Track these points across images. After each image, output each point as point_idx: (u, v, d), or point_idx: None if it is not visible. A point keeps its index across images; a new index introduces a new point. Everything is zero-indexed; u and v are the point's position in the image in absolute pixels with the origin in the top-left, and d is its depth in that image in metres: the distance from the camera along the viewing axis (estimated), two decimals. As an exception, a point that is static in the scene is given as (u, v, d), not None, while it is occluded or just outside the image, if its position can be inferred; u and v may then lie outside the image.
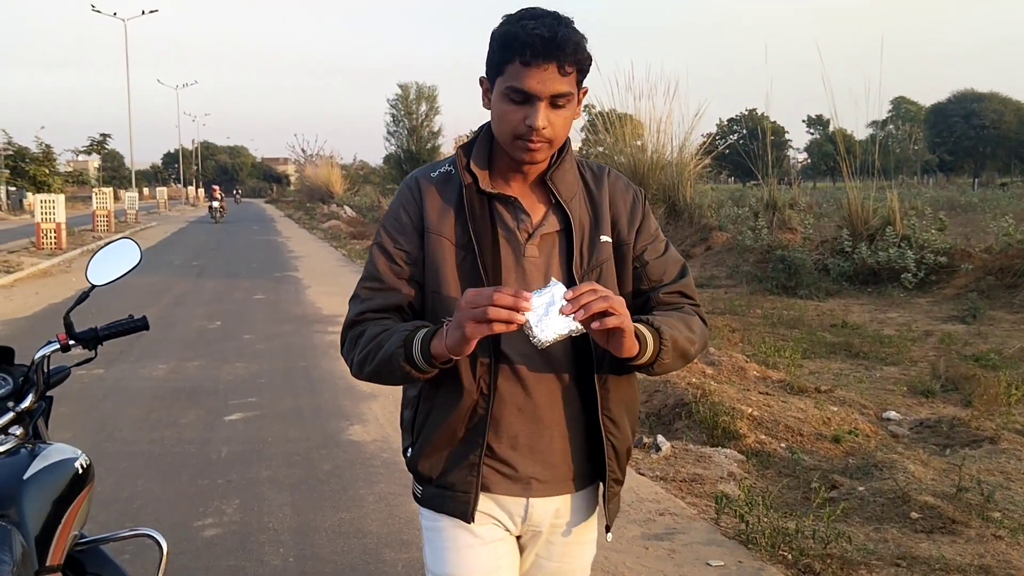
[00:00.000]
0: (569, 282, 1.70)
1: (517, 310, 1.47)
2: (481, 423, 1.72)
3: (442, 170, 1.82)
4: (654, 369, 1.70)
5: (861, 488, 4.60)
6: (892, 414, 6.26)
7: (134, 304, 11.45)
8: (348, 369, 1.79)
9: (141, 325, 2.42)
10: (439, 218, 1.76)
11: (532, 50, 1.59)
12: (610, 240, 1.80)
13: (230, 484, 4.85)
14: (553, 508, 1.81)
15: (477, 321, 1.49)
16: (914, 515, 4.20)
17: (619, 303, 1.53)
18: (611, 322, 1.52)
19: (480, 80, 1.75)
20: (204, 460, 5.27)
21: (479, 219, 1.73)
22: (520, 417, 1.74)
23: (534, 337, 1.50)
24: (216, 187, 40.41)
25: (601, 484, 1.84)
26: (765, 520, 4.13)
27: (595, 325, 1.51)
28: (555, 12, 1.65)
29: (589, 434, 1.78)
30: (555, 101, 1.64)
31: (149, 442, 5.64)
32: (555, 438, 1.77)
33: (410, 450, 1.84)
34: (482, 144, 1.79)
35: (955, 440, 5.58)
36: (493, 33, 1.68)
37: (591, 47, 1.70)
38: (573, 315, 1.50)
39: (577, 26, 1.66)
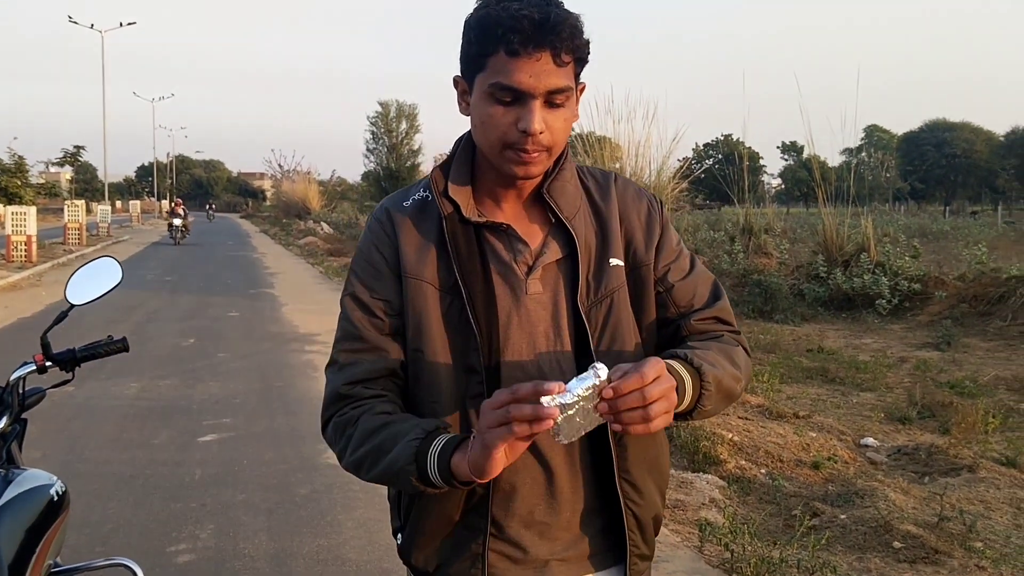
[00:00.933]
0: (576, 317, 1.42)
1: (540, 417, 1.15)
2: (482, 504, 1.41)
3: (416, 196, 1.50)
4: (692, 417, 1.39)
5: (843, 516, 4.59)
6: (870, 440, 6.26)
7: (105, 320, 11.36)
8: (326, 398, 1.48)
9: (121, 347, 2.36)
10: (417, 258, 1.44)
11: (520, 36, 1.29)
12: (622, 263, 1.48)
13: (204, 508, 4.75)
14: None
15: (495, 425, 1.19)
16: (897, 544, 4.18)
17: (670, 394, 1.23)
18: (657, 426, 1.21)
19: (455, 80, 1.44)
20: (177, 482, 5.16)
21: (465, 255, 1.42)
22: (535, 489, 1.43)
23: (557, 435, 1.20)
24: (179, 201, 33.70)
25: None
26: (749, 548, 4.10)
27: (635, 431, 1.21)
28: None
29: (608, 502, 1.47)
30: (551, 98, 1.34)
31: (121, 463, 5.52)
32: (574, 509, 1.45)
33: (400, 535, 1.52)
34: (462, 161, 1.48)
35: (933, 468, 5.59)
36: (467, 21, 1.36)
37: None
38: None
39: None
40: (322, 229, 36.87)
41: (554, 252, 1.45)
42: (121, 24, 46.60)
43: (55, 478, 2.21)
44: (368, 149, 29.51)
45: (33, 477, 2.14)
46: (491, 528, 1.42)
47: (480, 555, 1.43)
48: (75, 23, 44.36)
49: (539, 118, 1.33)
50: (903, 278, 12.35)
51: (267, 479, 5.22)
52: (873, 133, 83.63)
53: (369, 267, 1.47)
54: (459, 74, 1.42)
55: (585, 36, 1.36)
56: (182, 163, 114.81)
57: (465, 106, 1.43)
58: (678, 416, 1.36)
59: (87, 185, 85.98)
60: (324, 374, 1.51)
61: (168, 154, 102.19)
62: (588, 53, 1.38)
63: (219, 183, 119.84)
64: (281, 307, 13.89)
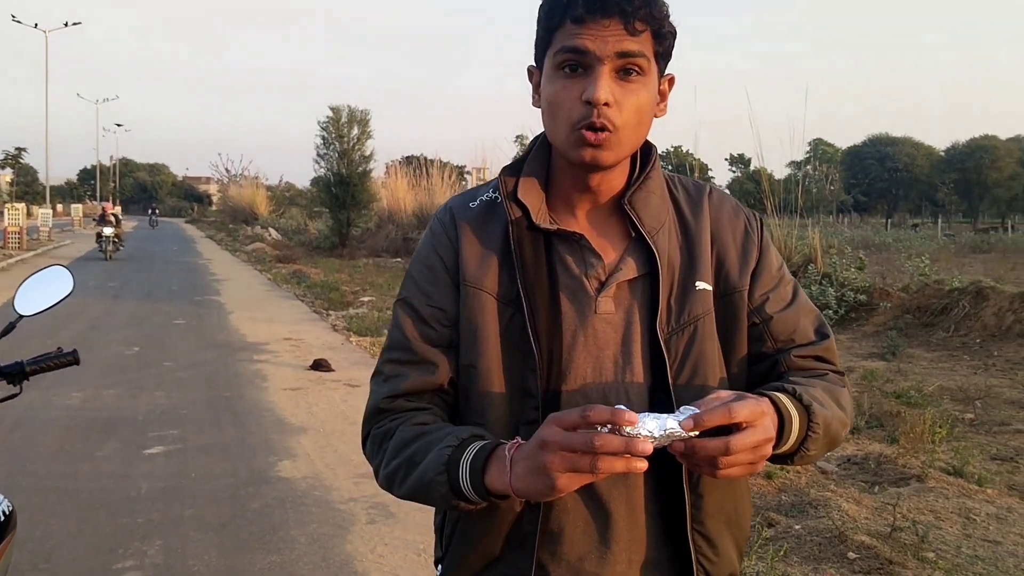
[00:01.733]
0: (652, 345, 1.27)
1: (632, 451, 1.01)
2: (527, 542, 1.25)
3: (484, 197, 1.36)
4: (793, 461, 1.23)
5: (798, 527, 4.62)
6: (821, 451, 6.33)
7: (45, 328, 11.06)
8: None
9: (72, 360, 2.28)
10: (479, 265, 1.30)
11: (587, 1, 1.17)
12: (710, 288, 1.32)
13: (151, 523, 4.62)
14: None
15: (577, 471, 1.03)
16: (851, 555, 4.22)
17: (764, 447, 1.09)
18: (734, 474, 1.09)
19: (528, 71, 1.32)
20: (123, 497, 5.02)
21: (531, 265, 1.27)
22: (588, 534, 1.26)
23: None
24: (107, 205, 27.09)
25: None
26: (705, 561, 4.10)
27: (708, 474, 1.10)
28: None
29: (677, 556, 1.29)
30: (623, 65, 1.19)
31: (63, 477, 5.35)
32: (630, 561, 1.28)
33: (440, 566, 1.38)
34: (536, 162, 1.34)
35: (883, 477, 5.66)
36: (540, 4, 1.26)
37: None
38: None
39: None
40: (270, 235, 36.44)
41: (631, 269, 1.29)
42: (66, 24, 45.68)
43: (2, 497, 2.11)
44: (318, 154, 29.13)
45: (-23, 497, 2.05)
46: (536, 571, 1.26)
47: None
48: (18, 22, 43.38)
49: (605, 85, 1.18)
50: (849, 289, 12.56)
51: (217, 493, 5.09)
52: (818, 147, 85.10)
53: (426, 271, 1.34)
54: (532, 64, 1.32)
55: (666, 8, 1.23)
56: (126, 166, 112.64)
57: (537, 98, 1.30)
58: (777, 458, 1.21)
59: (28, 188, 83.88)
60: (368, 385, 1.40)
61: (112, 157, 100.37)
62: (672, 32, 1.24)
63: (164, 187, 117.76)
64: (228, 315, 13.65)
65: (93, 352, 9.87)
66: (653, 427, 1.04)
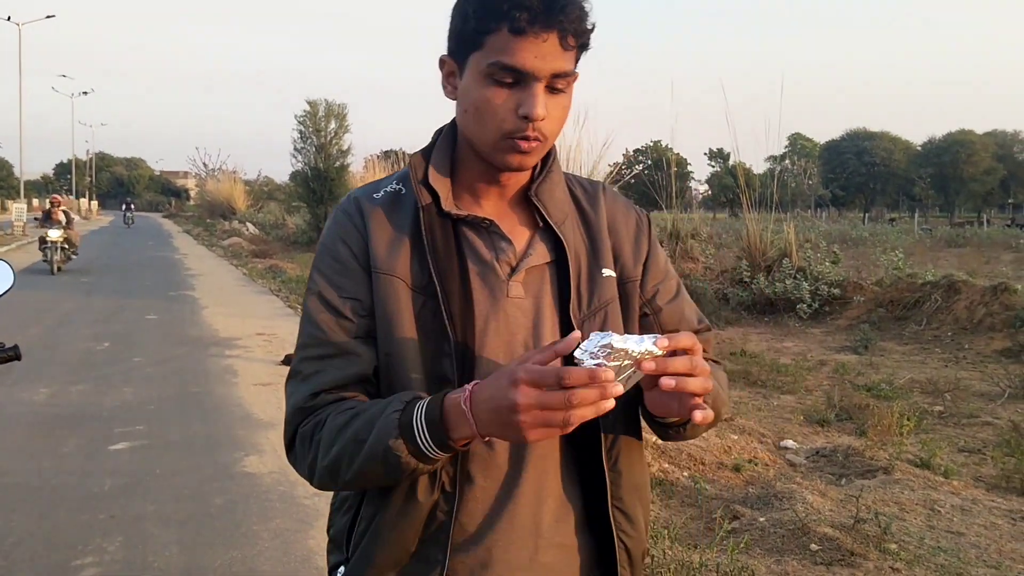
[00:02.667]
0: (566, 330, 1.29)
1: (604, 396, 1.03)
2: (441, 532, 1.26)
3: (389, 188, 1.37)
4: (685, 431, 1.31)
5: (762, 519, 4.63)
6: (789, 443, 6.36)
7: (16, 322, 10.95)
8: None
9: (12, 355, 2.23)
10: (389, 252, 1.30)
11: (529, 13, 1.17)
12: (614, 275, 1.37)
13: (113, 520, 4.56)
14: None
15: (549, 426, 1.05)
16: (814, 547, 4.23)
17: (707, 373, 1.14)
18: (706, 389, 1.13)
19: (440, 61, 1.31)
20: (85, 493, 4.96)
21: (442, 251, 1.29)
22: (499, 520, 1.27)
23: None
24: (57, 198, 20.32)
25: None
26: (669, 553, 4.10)
27: (698, 418, 1.14)
28: None
29: (595, 537, 1.32)
30: (554, 83, 1.22)
31: (26, 473, 5.29)
32: (553, 542, 1.30)
33: (342, 569, 1.34)
34: (443, 150, 1.35)
35: (850, 470, 5.69)
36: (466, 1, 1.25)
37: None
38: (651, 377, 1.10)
39: None
40: (247, 230, 36.20)
41: (541, 255, 1.33)
42: (40, 17, 45.18)
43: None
44: (296, 148, 28.88)
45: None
46: (451, 561, 1.26)
47: None
48: (-10, 15, 42.78)
49: (542, 102, 1.21)
50: (823, 283, 12.62)
51: (180, 489, 5.04)
52: (796, 141, 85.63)
53: (335, 263, 1.32)
54: (446, 54, 1.30)
55: (592, 21, 1.25)
56: (102, 160, 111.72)
57: (452, 89, 1.30)
58: (671, 431, 1.31)
59: (2, 182, 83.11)
60: (284, 389, 1.34)
61: (88, 151, 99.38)
62: (591, 40, 1.27)
63: (141, 181, 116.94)
64: (202, 310, 13.54)
65: (61, 348, 9.78)
66: (634, 345, 1.05)
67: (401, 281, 1.28)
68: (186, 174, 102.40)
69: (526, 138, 1.23)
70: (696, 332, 1.43)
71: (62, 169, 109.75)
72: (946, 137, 76.37)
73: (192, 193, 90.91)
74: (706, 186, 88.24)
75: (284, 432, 1.34)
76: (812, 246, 14.05)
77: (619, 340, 1.05)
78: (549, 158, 1.38)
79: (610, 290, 1.36)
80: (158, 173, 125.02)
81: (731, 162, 61.49)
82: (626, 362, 1.06)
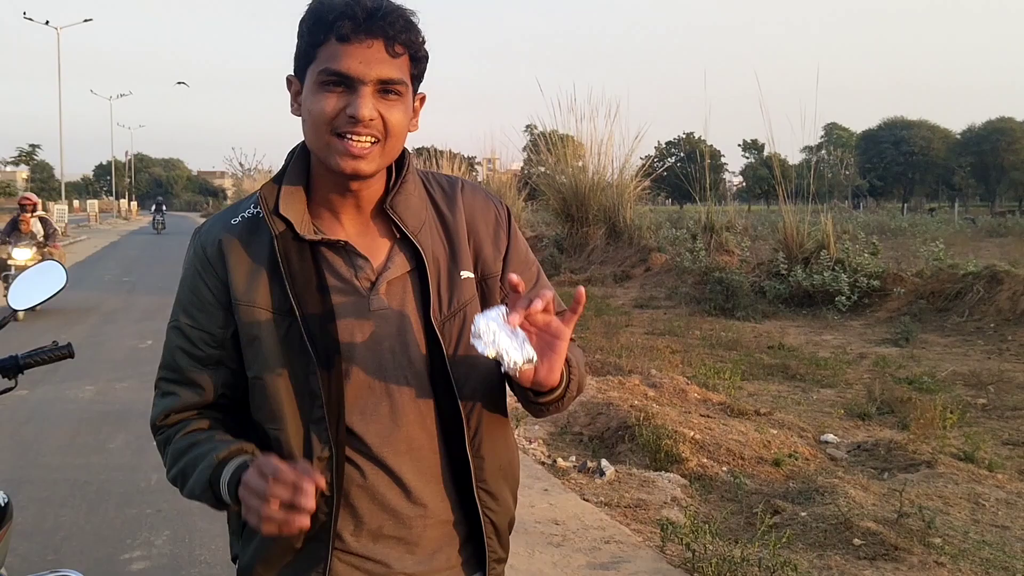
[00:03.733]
0: (427, 333, 1.39)
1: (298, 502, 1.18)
2: (323, 532, 1.37)
3: (247, 214, 1.41)
4: (562, 405, 1.43)
5: (803, 513, 4.61)
6: (830, 437, 6.31)
7: (62, 322, 11.15)
8: None
9: (66, 353, 2.28)
10: (248, 283, 1.36)
11: (352, 22, 1.25)
12: (472, 275, 1.45)
13: (160, 514, 4.66)
14: None
15: (262, 517, 1.20)
16: (857, 541, 4.20)
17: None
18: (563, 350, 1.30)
19: (288, 80, 1.38)
20: (133, 488, 5.06)
21: (299, 275, 1.34)
22: (384, 503, 1.39)
23: (512, 362, 1.25)
24: (28, 196, 13.55)
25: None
26: (710, 548, 4.10)
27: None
28: None
29: (465, 511, 1.45)
30: (384, 88, 1.29)
31: (74, 468, 5.40)
32: (428, 524, 1.42)
33: (238, 562, 1.47)
34: (295, 173, 1.40)
35: (892, 464, 5.64)
36: (301, 19, 1.32)
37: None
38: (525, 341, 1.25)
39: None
40: (284, 228, 36.49)
41: (400, 266, 1.40)
42: (78, 20, 45.88)
43: (-3, 489, 2.13)
44: (330, 147, 29.20)
45: (-27, 489, 2.06)
46: (339, 548, 1.39)
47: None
48: (30, 19, 43.49)
49: (369, 104, 1.28)
50: (862, 275, 12.48)
51: (225, 483, 5.11)
52: (833, 131, 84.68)
53: (192, 296, 1.42)
54: (292, 74, 1.37)
55: (422, 35, 1.33)
56: (141, 161, 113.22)
57: (297, 107, 1.37)
58: (547, 405, 1.40)
59: (44, 184, 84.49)
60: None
61: (127, 153, 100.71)
62: (425, 56, 1.35)
63: (179, 182, 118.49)
64: (241, 307, 13.65)
65: (107, 346, 9.96)
66: (516, 356, 1.24)
67: (262, 309, 1.35)
68: (223, 174, 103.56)
69: (356, 136, 1.29)
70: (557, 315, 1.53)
71: (101, 171, 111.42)
72: (986, 125, 74.97)
73: (229, 193, 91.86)
74: (740, 178, 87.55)
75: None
76: (850, 237, 13.90)
77: (505, 342, 1.23)
78: (404, 168, 1.44)
79: (469, 291, 1.43)
80: (195, 173, 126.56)
81: (766, 153, 60.92)
82: (506, 358, 1.24)
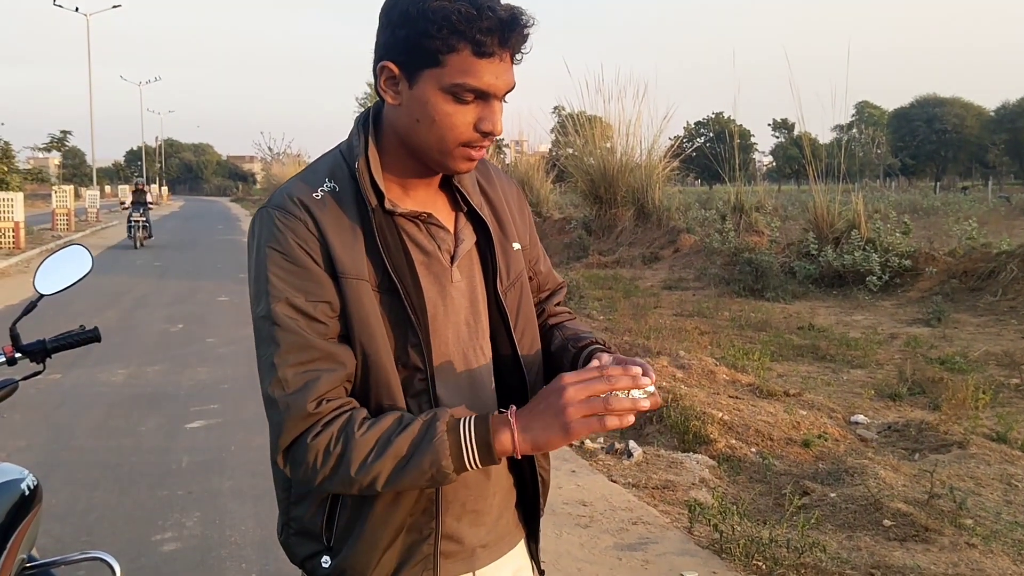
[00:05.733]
0: (494, 304, 1.44)
1: (635, 410, 1.23)
2: (431, 504, 1.37)
3: (325, 187, 1.36)
4: None
5: (833, 494, 4.57)
6: (860, 418, 6.25)
7: (94, 306, 11.29)
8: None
9: (92, 336, 2.30)
10: (350, 256, 1.32)
11: (492, 38, 1.23)
12: (520, 247, 1.52)
13: (191, 496, 4.71)
14: (508, 574, 1.52)
15: (590, 416, 1.21)
16: (887, 522, 4.17)
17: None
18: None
19: (382, 67, 1.31)
20: (164, 470, 5.12)
21: (395, 249, 1.34)
22: (463, 482, 1.36)
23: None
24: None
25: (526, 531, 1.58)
26: (739, 529, 4.08)
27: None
28: None
29: (517, 473, 1.51)
30: (505, 96, 1.33)
31: (106, 451, 5.47)
32: (496, 491, 1.47)
33: (327, 559, 1.39)
34: (375, 149, 1.39)
35: (923, 444, 5.58)
36: (411, 12, 1.24)
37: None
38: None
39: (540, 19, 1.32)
40: (312, 212, 36.63)
41: (470, 239, 1.45)
42: (107, 7, 46.21)
43: (26, 472, 2.16)
44: (357, 131, 29.27)
45: (4, 471, 2.09)
46: (441, 527, 1.39)
47: (431, 556, 1.39)
48: (59, 6, 43.86)
49: (501, 119, 1.32)
50: (894, 254, 12.33)
51: (255, 465, 5.17)
52: (864, 109, 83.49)
53: (298, 269, 1.30)
54: (387, 61, 1.30)
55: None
56: (171, 146, 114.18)
57: (395, 95, 1.32)
58: None
59: (76, 170, 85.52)
60: (268, 394, 1.29)
61: (157, 138, 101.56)
62: None
63: (208, 166, 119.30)
64: (271, 291, 13.74)
65: (138, 330, 10.07)
66: (637, 393, 1.24)
67: (366, 283, 1.32)
68: (252, 158, 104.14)
69: (481, 147, 1.33)
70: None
71: (132, 156, 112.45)
72: (1021, 102, 73.50)
73: (258, 177, 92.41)
74: (770, 157, 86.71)
75: (280, 435, 1.29)
76: (881, 217, 13.74)
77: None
78: None
79: (520, 262, 1.51)
80: (225, 158, 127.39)
81: (796, 132, 60.23)
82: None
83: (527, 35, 1.28)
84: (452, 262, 1.41)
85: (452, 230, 1.43)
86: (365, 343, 1.31)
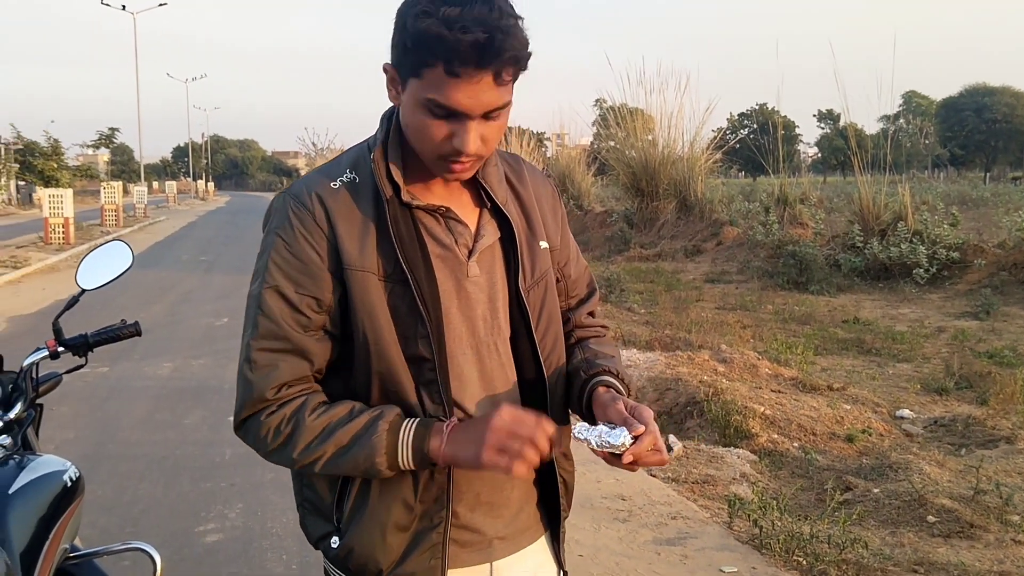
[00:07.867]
0: (512, 300, 1.45)
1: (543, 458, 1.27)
2: (441, 492, 1.38)
3: (344, 178, 1.39)
4: None
5: (876, 490, 4.51)
6: (905, 412, 6.16)
7: (141, 300, 11.50)
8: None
9: (133, 331, 2.35)
10: (359, 247, 1.35)
11: (461, 58, 1.19)
12: (548, 246, 1.51)
13: (233, 488, 4.78)
14: (527, 568, 1.53)
15: (503, 451, 1.26)
16: (931, 518, 4.10)
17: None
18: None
19: (384, 67, 1.34)
20: (208, 463, 5.20)
21: (408, 241, 1.36)
22: (478, 473, 1.39)
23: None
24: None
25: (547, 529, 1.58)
26: (779, 524, 4.04)
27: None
28: None
29: (539, 471, 1.45)
30: (488, 115, 1.28)
31: (152, 444, 5.57)
32: (515, 485, 1.48)
33: (335, 539, 1.43)
34: (395, 142, 1.39)
35: (970, 439, 5.48)
36: (403, 18, 1.25)
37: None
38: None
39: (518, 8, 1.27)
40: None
41: (491, 235, 1.44)
42: (153, 5, 46.98)
43: (69, 463, 2.20)
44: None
45: (47, 463, 2.14)
46: (452, 517, 1.41)
47: (439, 545, 1.40)
48: (107, 5, 44.73)
49: (475, 137, 1.28)
50: (941, 246, 12.11)
51: (296, 458, 5.21)
52: (911, 99, 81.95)
53: (296, 261, 1.35)
54: (388, 62, 1.33)
55: (527, 40, 1.26)
56: (217, 143, 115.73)
57: (396, 95, 1.34)
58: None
59: (124, 167, 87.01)
60: (240, 368, 1.39)
61: (203, 134, 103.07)
62: (529, 55, 1.28)
63: (254, 162, 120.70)
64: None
65: (184, 324, 10.23)
66: (615, 439, 1.28)
67: (372, 275, 1.34)
68: (296, 154, 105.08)
69: (460, 163, 1.31)
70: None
71: (179, 152, 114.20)
72: (1075, 90, 71.71)
73: (302, 172, 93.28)
74: (815, 149, 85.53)
75: (240, 409, 1.39)
76: (929, 208, 13.48)
77: (606, 434, 1.29)
78: None
79: (546, 261, 1.50)
80: (270, 153, 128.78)
81: (842, 123, 59.32)
82: (608, 449, 1.29)
83: (512, 57, 1.22)
84: (470, 256, 1.41)
85: (474, 225, 1.43)
86: (369, 332, 1.35)
